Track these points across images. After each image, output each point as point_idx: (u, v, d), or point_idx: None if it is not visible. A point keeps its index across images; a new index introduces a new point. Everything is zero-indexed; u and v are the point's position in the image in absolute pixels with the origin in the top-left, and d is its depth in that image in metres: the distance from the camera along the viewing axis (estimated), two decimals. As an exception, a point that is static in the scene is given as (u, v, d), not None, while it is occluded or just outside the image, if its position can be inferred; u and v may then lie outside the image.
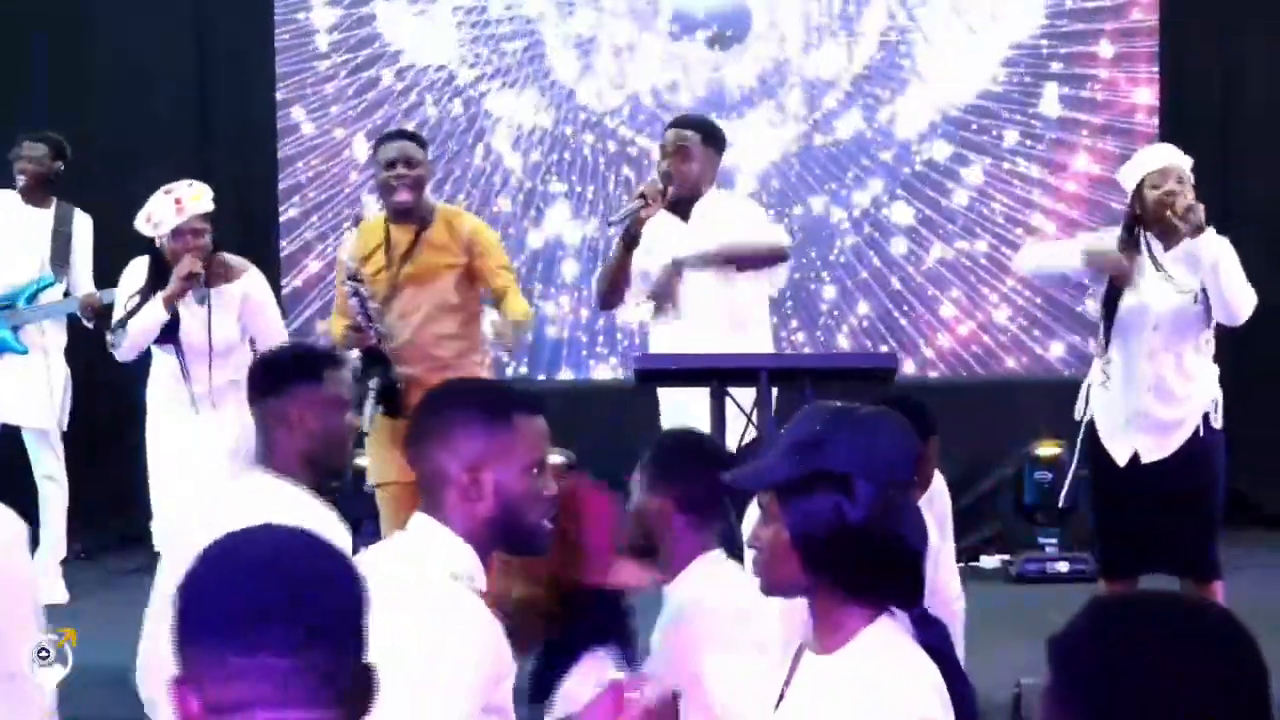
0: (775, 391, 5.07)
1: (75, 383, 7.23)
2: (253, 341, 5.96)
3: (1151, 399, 5.31)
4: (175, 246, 5.77)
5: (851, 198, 8.52)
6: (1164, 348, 5.32)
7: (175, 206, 5.77)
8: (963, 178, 8.50)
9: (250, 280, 5.98)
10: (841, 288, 8.50)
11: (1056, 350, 8.50)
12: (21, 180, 7.16)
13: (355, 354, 5.59)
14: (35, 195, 7.19)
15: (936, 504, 4.32)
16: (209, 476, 5.77)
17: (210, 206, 5.83)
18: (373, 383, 5.55)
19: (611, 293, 5.76)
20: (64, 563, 7.28)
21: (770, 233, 5.80)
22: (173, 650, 1.62)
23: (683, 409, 5.40)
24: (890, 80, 8.50)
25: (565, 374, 8.58)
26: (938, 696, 2.42)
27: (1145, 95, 8.44)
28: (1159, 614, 1.67)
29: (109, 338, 5.91)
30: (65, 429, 7.18)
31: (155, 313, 5.80)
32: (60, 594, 7.07)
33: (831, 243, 8.52)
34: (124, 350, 5.89)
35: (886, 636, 2.46)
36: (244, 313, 5.92)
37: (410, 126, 8.43)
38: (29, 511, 7.25)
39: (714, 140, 5.81)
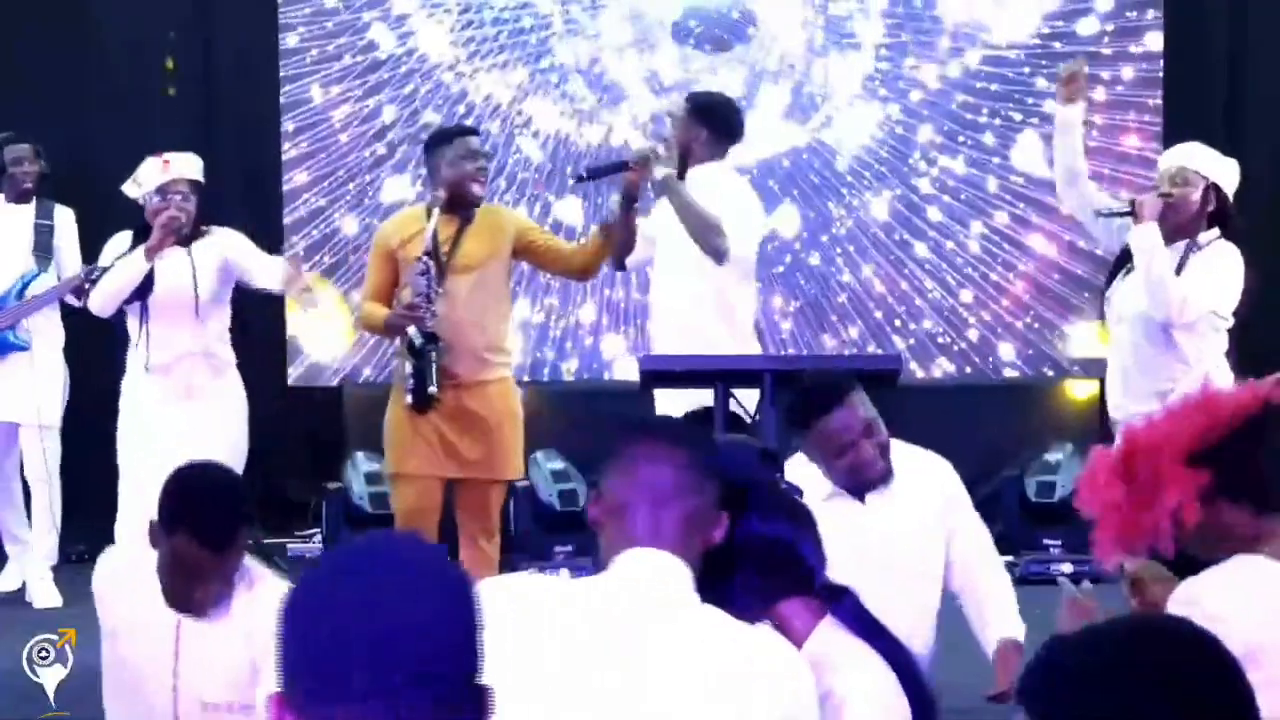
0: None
1: (74, 383, 7.22)
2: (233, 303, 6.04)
3: (1121, 393, 5.37)
4: (160, 205, 5.75)
5: (852, 200, 8.52)
6: (1130, 341, 5.40)
7: (163, 165, 5.78)
8: (965, 177, 8.49)
9: (224, 235, 6.04)
10: (848, 291, 8.49)
11: (1061, 352, 8.50)
12: (26, 184, 7.22)
13: (413, 330, 5.63)
14: (23, 196, 7.24)
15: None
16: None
17: (199, 176, 5.84)
18: (433, 357, 5.61)
19: (619, 253, 5.87)
20: (65, 563, 7.27)
21: (717, 229, 5.63)
22: (276, 664, 1.63)
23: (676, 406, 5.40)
24: (890, 79, 8.50)
25: (576, 373, 8.58)
26: None
27: (1148, 90, 8.43)
28: (1135, 637, 1.65)
29: (86, 288, 5.87)
30: (60, 426, 7.16)
31: (135, 262, 5.76)
32: (54, 598, 7.04)
33: (831, 245, 8.51)
34: (97, 299, 5.81)
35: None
36: (230, 262, 5.95)
37: (415, 126, 8.47)
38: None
39: (701, 114, 5.87)
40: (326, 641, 1.58)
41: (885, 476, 3.87)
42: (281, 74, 8.50)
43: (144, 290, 5.78)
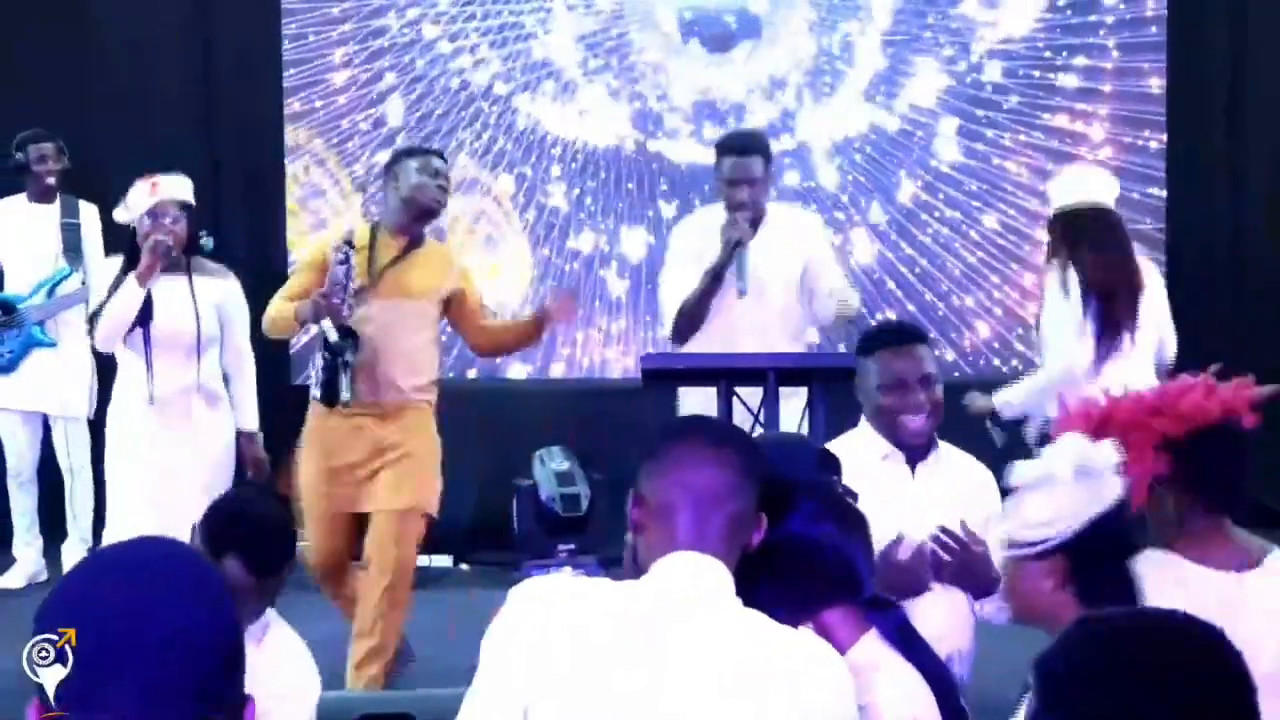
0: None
1: (100, 379, 7.26)
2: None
3: None
4: (149, 230, 5.57)
5: (838, 214, 8.53)
6: None
7: (150, 189, 5.64)
8: (969, 174, 8.50)
9: (231, 285, 5.85)
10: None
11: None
12: (49, 181, 7.34)
13: (327, 323, 5.45)
14: (46, 194, 7.32)
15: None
16: (183, 507, 5.21)
17: (189, 198, 5.68)
18: (348, 355, 5.46)
19: (691, 325, 5.71)
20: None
21: (844, 293, 5.73)
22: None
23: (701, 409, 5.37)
24: (891, 76, 8.50)
25: (575, 372, 8.58)
26: None
27: (1151, 87, 8.43)
28: (1141, 633, 1.65)
29: (87, 328, 5.83)
30: (92, 418, 7.21)
31: (131, 291, 5.56)
32: None
33: (843, 244, 8.52)
34: (101, 336, 5.67)
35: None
36: (221, 315, 5.78)
37: (414, 124, 8.47)
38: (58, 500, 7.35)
39: (770, 156, 5.87)
40: (78, 650, 1.57)
41: (930, 434, 3.92)
42: (284, 31, 8.49)
43: (144, 319, 5.60)
